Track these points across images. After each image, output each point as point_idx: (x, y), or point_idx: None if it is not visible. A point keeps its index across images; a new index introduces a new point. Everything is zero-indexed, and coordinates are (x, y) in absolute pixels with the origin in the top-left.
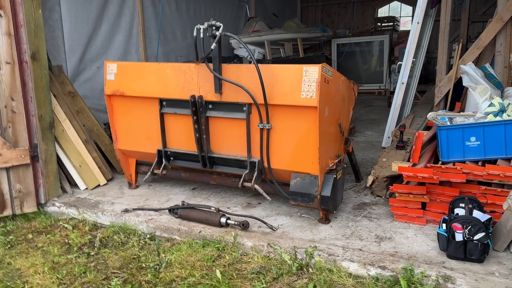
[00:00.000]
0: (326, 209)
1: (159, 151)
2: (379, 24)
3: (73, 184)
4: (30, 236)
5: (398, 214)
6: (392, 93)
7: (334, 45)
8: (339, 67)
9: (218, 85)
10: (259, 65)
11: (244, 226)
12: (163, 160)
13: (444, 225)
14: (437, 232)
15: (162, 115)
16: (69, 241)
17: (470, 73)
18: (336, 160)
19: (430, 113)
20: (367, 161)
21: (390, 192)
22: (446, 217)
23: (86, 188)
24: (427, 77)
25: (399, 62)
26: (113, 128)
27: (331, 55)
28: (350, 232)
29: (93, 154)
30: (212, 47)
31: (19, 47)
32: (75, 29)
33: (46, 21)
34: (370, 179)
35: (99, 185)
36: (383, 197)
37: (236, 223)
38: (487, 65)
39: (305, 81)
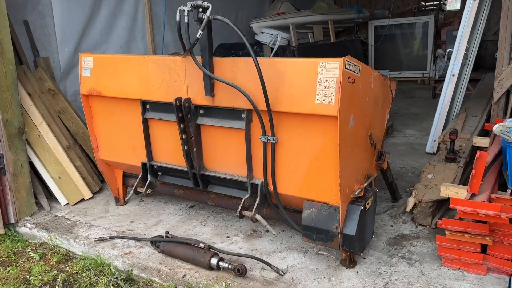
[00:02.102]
0: (351, 251)
1: (144, 165)
2: (422, 3)
3: (54, 198)
4: None
5: (448, 257)
6: (438, 81)
7: (371, 28)
8: (376, 52)
9: (209, 85)
10: (260, 59)
11: (240, 272)
12: (149, 175)
13: None
14: None
15: (145, 121)
16: (30, 278)
17: None
18: (365, 184)
19: (496, 126)
20: (407, 171)
21: (438, 226)
22: None
23: (68, 204)
24: (479, 63)
25: (448, 49)
26: (92, 134)
27: (367, 39)
28: (383, 283)
29: (77, 163)
30: (198, 35)
31: None
32: (68, 15)
33: (34, 6)
34: (411, 202)
35: (83, 199)
36: (428, 226)
37: (230, 266)
38: None
39: (321, 81)
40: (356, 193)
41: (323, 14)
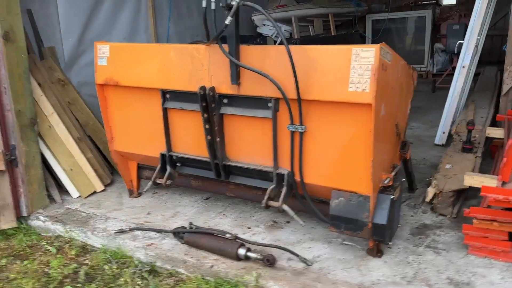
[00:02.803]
0: (380, 241)
1: (162, 156)
2: None
3: (65, 190)
4: (3, 261)
5: (475, 246)
6: (435, 75)
7: (368, 22)
8: None
9: (235, 74)
10: (292, 46)
11: (270, 262)
12: (167, 166)
13: None
14: None
15: (165, 111)
16: (50, 271)
17: None
18: (393, 174)
19: None
20: (418, 163)
21: (464, 215)
22: None
23: (80, 196)
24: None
25: (459, 41)
26: (107, 125)
27: (364, 33)
28: (413, 272)
29: (88, 155)
30: (227, 21)
31: None
32: (72, 5)
33: None
34: (430, 192)
35: (95, 192)
36: (448, 216)
37: (259, 256)
38: None
39: (355, 68)
40: (385, 182)
41: (324, 7)
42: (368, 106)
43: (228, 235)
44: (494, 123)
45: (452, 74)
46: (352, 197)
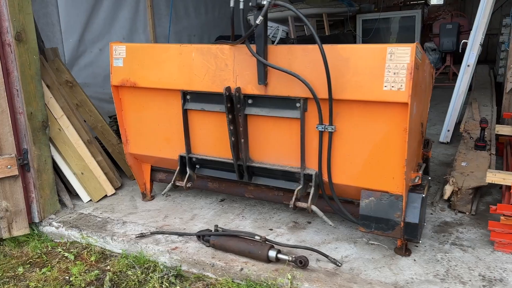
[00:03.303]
0: (411, 240)
1: (181, 158)
2: None
3: (74, 195)
4: (20, 270)
5: (501, 242)
6: None
7: (359, 21)
8: None
9: (263, 74)
10: (323, 46)
11: (303, 263)
12: (187, 168)
13: None
14: None
15: (185, 112)
16: (71, 279)
17: None
18: (420, 172)
19: None
20: None
21: (491, 212)
22: None
23: (90, 200)
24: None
25: (463, 40)
26: (122, 127)
27: (355, 32)
28: (444, 270)
29: (98, 158)
30: (257, 21)
31: None
32: (72, 4)
33: None
34: (448, 190)
35: (106, 196)
36: (467, 213)
37: (290, 258)
38: None
39: (390, 67)
40: (415, 180)
41: (318, 7)
42: (403, 105)
43: (257, 237)
44: (498, 121)
45: (445, 73)
46: (383, 196)
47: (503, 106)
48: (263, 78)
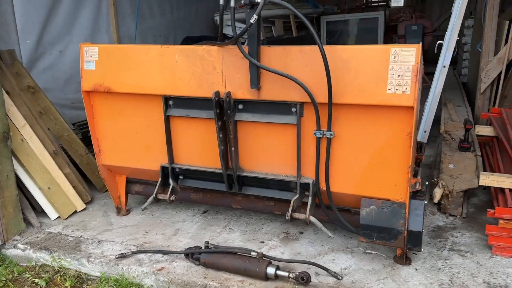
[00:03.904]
0: (415, 249)
1: (163, 169)
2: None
3: (40, 212)
4: None
5: (500, 246)
6: None
7: (323, 23)
8: None
9: (256, 77)
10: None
11: (305, 280)
12: (170, 180)
13: None
14: None
15: (167, 119)
16: None
17: None
18: (419, 177)
19: None
20: None
21: (489, 216)
22: None
23: (59, 217)
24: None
25: (438, 41)
26: (94, 136)
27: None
28: (448, 278)
29: (66, 170)
30: (252, 20)
31: None
32: (29, 2)
33: None
34: (438, 193)
35: (75, 212)
36: (458, 216)
37: (291, 275)
38: None
39: (394, 69)
40: (416, 186)
41: (285, 8)
42: (408, 109)
43: (253, 253)
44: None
45: None
46: (385, 204)
47: (477, 106)
48: (256, 81)
